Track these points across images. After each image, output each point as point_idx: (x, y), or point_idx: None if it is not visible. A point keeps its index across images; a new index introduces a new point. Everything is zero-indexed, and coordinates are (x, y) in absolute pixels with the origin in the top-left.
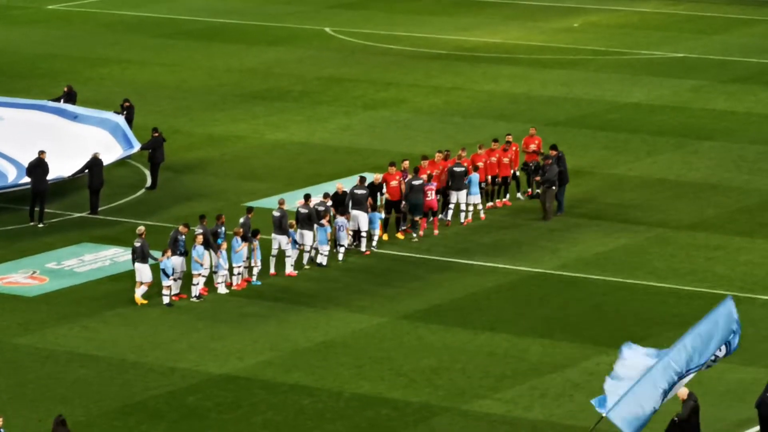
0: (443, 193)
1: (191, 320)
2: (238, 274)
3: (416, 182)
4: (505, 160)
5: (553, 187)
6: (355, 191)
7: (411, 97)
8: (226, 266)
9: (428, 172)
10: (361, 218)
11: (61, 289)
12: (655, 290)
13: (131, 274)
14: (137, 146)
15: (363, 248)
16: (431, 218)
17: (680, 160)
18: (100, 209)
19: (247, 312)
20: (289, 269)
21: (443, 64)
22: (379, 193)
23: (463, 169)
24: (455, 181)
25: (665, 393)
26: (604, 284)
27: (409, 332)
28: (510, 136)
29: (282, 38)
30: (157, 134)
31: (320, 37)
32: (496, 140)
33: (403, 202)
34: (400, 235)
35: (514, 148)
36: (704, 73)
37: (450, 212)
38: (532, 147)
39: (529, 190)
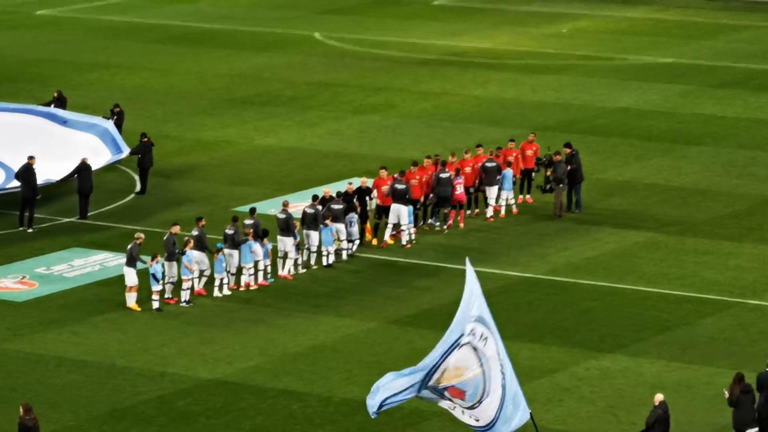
0: (476, 189)
1: (181, 325)
2: (251, 275)
3: (444, 175)
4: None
5: (561, 185)
6: (396, 186)
7: (400, 102)
8: (224, 270)
9: (456, 167)
10: (402, 211)
11: (51, 294)
12: (645, 295)
13: (121, 278)
14: (126, 151)
15: (404, 242)
16: (459, 211)
17: (669, 165)
18: (89, 214)
19: (236, 317)
20: (284, 272)
21: (432, 69)
22: (368, 198)
23: (495, 164)
24: (488, 176)
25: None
26: (594, 289)
27: (399, 337)
28: (512, 142)
29: (271, 43)
30: (145, 139)
31: (309, 43)
32: (480, 146)
33: (431, 195)
34: (390, 240)
35: (514, 153)
36: (693, 78)
37: (490, 208)
38: (529, 153)
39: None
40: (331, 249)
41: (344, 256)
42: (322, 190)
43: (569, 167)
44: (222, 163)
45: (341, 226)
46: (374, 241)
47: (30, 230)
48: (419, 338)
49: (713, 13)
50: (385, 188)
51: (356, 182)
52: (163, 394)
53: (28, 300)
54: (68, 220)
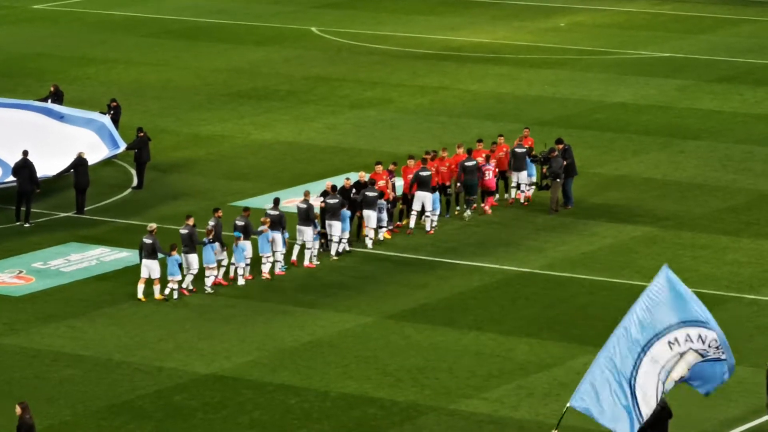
0: (503, 175)
1: (178, 320)
2: (268, 263)
3: (469, 164)
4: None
5: (558, 180)
6: (420, 173)
7: (397, 97)
8: (248, 258)
9: (484, 154)
10: (426, 198)
11: (48, 289)
12: (641, 289)
13: (118, 273)
14: (123, 146)
15: (428, 228)
16: (487, 197)
17: (666, 160)
18: (86, 209)
19: (234, 312)
20: (307, 261)
21: (429, 63)
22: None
23: (524, 150)
24: (516, 161)
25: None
26: (591, 284)
27: (396, 332)
28: (501, 137)
29: (268, 38)
30: (142, 134)
31: (307, 37)
32: (480, 141)
33: (458, 183)
34: (387, 235)
35: (504, 149)
36: (690, 72)
37: (522, 193)
38: (525, 148)
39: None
40: (345, 235)
41: (369, 244)
42: (324, 185)
43: (564, 162)
44: (219, 157)
45: (373, 213)
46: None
47: (27, 225)
48: (416, 333)
49: (711, 7)
50: (381, 182)
51: (353, 177)
52: (161, 389)
53: (25, 295)
54: (65, 214)
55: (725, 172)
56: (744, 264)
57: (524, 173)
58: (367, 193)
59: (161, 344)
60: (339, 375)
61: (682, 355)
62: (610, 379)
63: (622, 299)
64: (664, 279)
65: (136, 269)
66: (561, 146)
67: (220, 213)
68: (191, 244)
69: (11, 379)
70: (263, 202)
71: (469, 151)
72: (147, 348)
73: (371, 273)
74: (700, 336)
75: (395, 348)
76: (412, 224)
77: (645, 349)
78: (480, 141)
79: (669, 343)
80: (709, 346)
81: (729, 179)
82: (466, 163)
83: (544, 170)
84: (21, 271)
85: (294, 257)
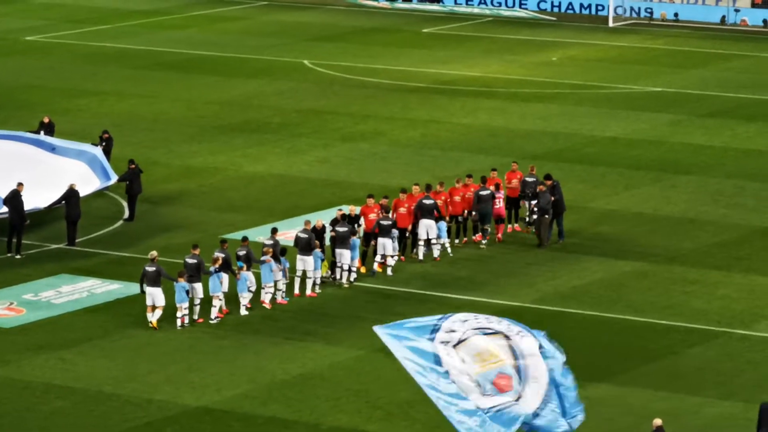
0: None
1: (169, 352)
2: (269, 293)
3: (484, 192)
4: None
5: (546, 216)
6: (423, 201)
7: (389, 130)
8: (252, 288)
9: (496, 182)
10: (430, 227)
11: (38, 321)
12: (632, 324)
13: (109, 305)
14: (114, 178)
15: (435, 255)
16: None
17: (658, 194)
18: (77, 241)
19: (224, 344)
20: (309, 290)
21: (421, 97)
22: (356, 225)
23: (534, 179)
24: (527, 190)
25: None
26: (581, 318)
27: (387, 365)
28: (495, 171)
29: (261, 70)
30: (133, 166)
31: (299, 70)
32: (470, 176)
33: (473, 213)
34: (378, 268)
35: (496, 182)
36: (682, 107)
37: (528, 219)
38: (514, 182)
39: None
40: (355, 266)
41: (389, 271)
42: (314, 219)
43: (553, 198)
44: (211, 189)
45: (388, 241)
46: (362, 269)
47: (18, 256)
48: None
49: (702, 42)
50: (372, 215)
51: (345, 210)
52: (151, 421)
53: (16, 326)
54: (56, 246)
55: (716, 207)
56: (735, 299)
57: (534, 202)
58: (381, 222)
59: (151, 376)
60: (330, 408)
61: (456, 345)
62: (465, 407)
63: (612, 333)
64: (389, 339)
65: (127, 301)
66: (549, 182)
67: (227, 245)
68: (197, 273)
69: (2, 411)
70: (256, 234)
71: (483, 180)
72: (137, 380)
73: (362, 305)
74: (451, 329)
75: (386, 381)
76: (420, 255)
77: (443, 369)
78: (470, 176)
79: (444, 347)
80: (483, 326)
81: (720, 214)
82: (481, 192)
83: (532, 205)
84: (12, 303)
85: (296, 290)
